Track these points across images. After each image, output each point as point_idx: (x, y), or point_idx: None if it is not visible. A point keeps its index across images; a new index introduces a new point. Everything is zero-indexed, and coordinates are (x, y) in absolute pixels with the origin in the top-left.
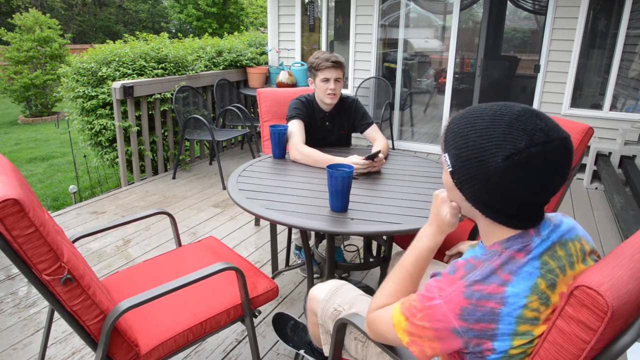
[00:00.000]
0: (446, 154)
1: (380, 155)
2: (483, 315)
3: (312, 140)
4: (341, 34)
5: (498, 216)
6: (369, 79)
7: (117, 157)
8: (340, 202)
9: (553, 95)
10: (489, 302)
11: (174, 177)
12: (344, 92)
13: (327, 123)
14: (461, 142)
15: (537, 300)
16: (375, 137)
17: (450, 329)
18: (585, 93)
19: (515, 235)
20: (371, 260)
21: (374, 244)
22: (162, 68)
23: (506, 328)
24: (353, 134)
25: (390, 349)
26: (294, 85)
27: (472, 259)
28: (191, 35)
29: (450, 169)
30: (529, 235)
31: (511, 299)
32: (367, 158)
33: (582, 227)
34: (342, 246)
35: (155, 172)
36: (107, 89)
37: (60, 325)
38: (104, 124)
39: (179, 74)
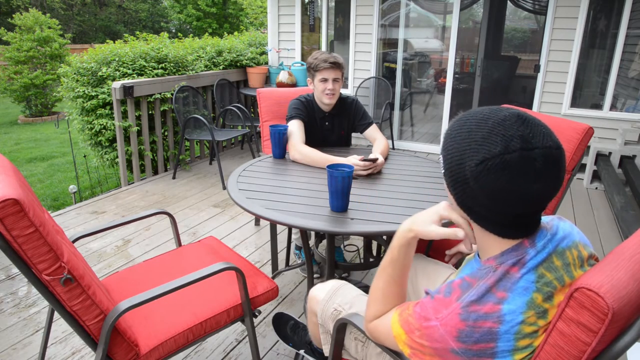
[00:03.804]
0: (441, 155)
1: (380, 159)
2: (481, 336)
3: (312, 140)
4: (341, 34)
5: (486, 223)
6: (369, 78)
7: (117, 157)
8: (340, 202)
9: (553, 95)
10: (486, 322)
11: (174, 177)
12: (344, 92)
13: (327, 123)
14: (449, 144)
15: (534, 314)
16: (375, 137)
17: (449, 349)
18: (585, 93)
19: (509, 248)
20: (371, 260)
21: (374, 244)
22: (162, 68)
23: (505, 345)
24: (353, 134)
25: (390, 349)
26: (294, 85)
27: (468, 277)
28: (191, 35)
29: (442, 170)
30: (523, 248)
31: (508, 317)
32: (365, 160)
33: (579, 230)
34: (342, 246)
35: (155, 172)
36: (107, 89)
37: (60, 325)
38: (104, 123)
39: (179, 74)
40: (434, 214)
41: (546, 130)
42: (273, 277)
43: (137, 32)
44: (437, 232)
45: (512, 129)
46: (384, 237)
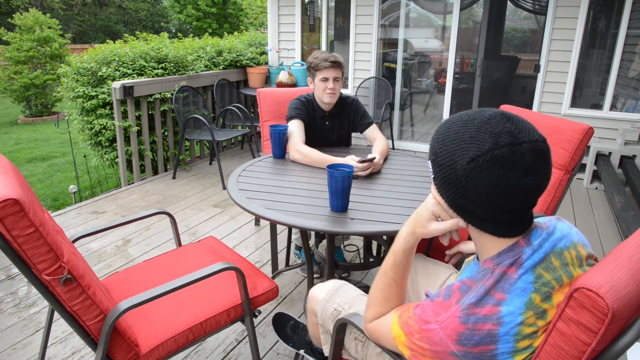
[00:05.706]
0: (429, 161)
1: (377, 159)
2: (481, 339)
3: (312, 140)
4: (341, 34)
5: (480, 223)
6: (369, 78)
7: (117, 157)
8: (340, 202)
9: (553, 95)
10: (486, 324)
11: (174, 177)
12: (344, 92)
13: (327, 123)
14: (437, 147)
15: (534, 315)
16: (375, 137)
17: (449, 352)
18: (585, 93)
19: (505, 249)
20: (371, 260)
21: (374, 244)
22: (162, 68)
23: (505, 347)
24: (353, 134)
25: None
26: (294, 85)
27: (467, 280)
28: (191, 35)
29: (432, 175)
30: (519, 247)
31: (507, 318)
32: (363, 161)
33: (578, 231)
34: (342, 246)
35: (155, 172)
36: (107, 89)
37: (60, 325)
38: (104, 123)
39: (179, 74)
40: (428, 212)
41: (530, 126)
42: (273, 277)
43: (137, 32)
44: (439, 228)
45: (498, 126)
46: (384, 237)
